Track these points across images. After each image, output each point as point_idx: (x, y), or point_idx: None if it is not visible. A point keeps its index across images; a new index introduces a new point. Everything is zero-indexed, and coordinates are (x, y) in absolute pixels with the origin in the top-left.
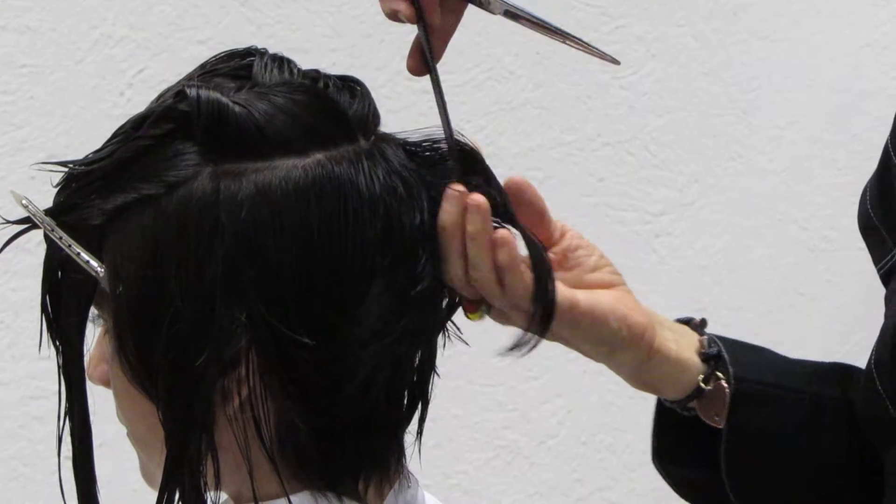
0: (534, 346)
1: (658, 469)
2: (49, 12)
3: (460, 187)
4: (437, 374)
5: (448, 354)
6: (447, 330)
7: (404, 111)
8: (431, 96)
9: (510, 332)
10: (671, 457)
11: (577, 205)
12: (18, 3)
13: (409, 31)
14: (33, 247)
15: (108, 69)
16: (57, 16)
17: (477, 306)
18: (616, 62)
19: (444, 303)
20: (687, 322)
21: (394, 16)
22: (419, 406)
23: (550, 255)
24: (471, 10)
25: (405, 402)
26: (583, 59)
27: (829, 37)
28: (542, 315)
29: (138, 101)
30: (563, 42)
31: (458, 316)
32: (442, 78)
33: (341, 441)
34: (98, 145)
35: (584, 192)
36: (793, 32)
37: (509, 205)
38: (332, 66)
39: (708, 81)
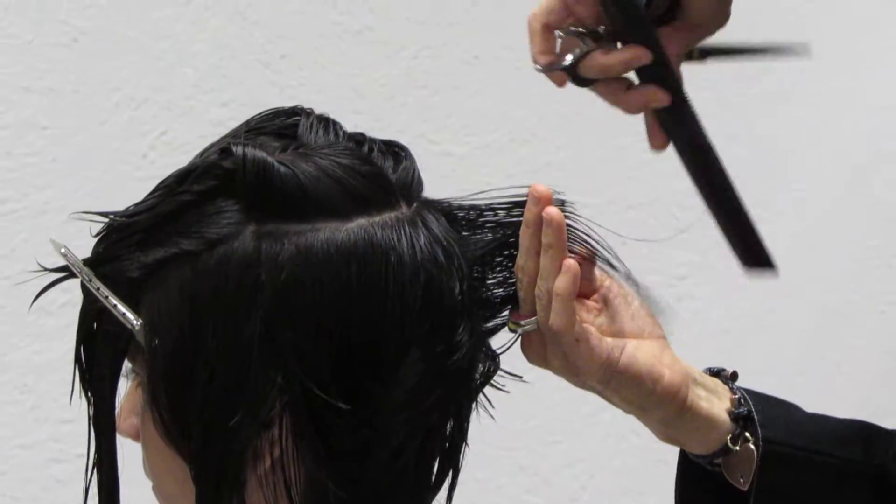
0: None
1: None
2: (71, 74)
3: (542, 187)
4: (468, 445)
5: (471, 417)
6: (478, 401)
7: (425, 173)
8: (452, 159)
9: (531, 400)
10: None
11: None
12: (41, 65)
13: (430, 95)
14: (56, 309)
15: (130, 131)
16: (79, 77)
17: (527, 317)
18: (806, 52)
19: (478, 374)
20: (718, 374)
21: (646, 106)
22: (449, 475)
23: (592, 299)
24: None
25: (434, 470)
26: (607, 122)
27: (850, 98)
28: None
29: (161, 164)
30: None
31: (488, 388)
32: (464, 140)
33: None
34: (121, 208)
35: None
36: (813, 94)
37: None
38: (355, 128)
39: (730, 144)
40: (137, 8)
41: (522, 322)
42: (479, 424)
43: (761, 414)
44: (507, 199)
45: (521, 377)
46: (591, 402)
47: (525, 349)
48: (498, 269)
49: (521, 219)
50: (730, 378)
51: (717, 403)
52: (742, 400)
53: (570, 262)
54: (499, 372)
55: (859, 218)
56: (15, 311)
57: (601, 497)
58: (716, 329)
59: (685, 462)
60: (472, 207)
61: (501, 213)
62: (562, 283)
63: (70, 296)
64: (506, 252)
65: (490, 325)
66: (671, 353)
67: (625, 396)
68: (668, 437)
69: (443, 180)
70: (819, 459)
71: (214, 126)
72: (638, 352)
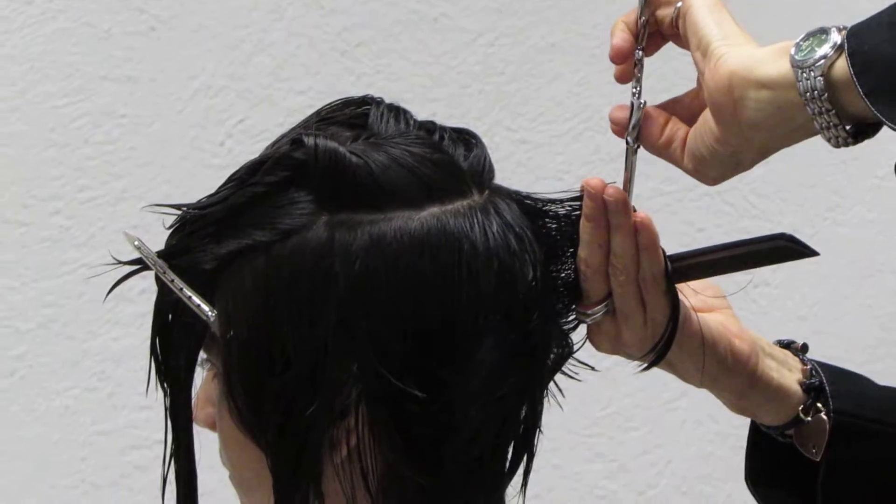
0: (654, 361)
1: (752, 492)
2: (149, 62)
3: (595, 181)
4: (541, 430)
5: (547, 405)
6: (550, 387)
7: (503, 161)
8: (529, 147)
9: (610, 387)
10: (766, 480)
11: None
12: (118, 54)
13: (507, 83)
14: (135, 296)
15: (207, 119)
16: (157, 66)
17: (594, 307)
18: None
19: (551, 359)
20: (788, 346)
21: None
22: (524, 459)
23: None
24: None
25: (509, 455)
26: None
27: None
28: (671, 303)
29: (238, 152)
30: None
31: (559, 375)
32: (541, 128)
33: (445, 494)
34: (198, 196)
35: (682, 243)
36: None
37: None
38: (432, 115)
39: None
40: None
41: (590, 311)
42: (556, 411)
43: (833, 385)
44: (570, 192)
45: (592, 367)
46: (669, 389)
47: (594, 338)
48: (564, 259)
49: (580, 212)
50: (800, 350)
51: (787, 374)
52: (813, 371)
53: (643, 217)
54: (571, 360)
55: None
56: (93, 299)
57: (679, 483)
58: (792, 316)
59: (756, 433)
60: (538, 198)
61: (565, 205)
62: (645, 237)
63: (148, 282)
64: (569, 243)
65: (560, 312)
66: (738, 322)
67: (697, 362)
68: (740, 409)
69: (519, 168)
70: (892, 432)
71: (291, 114)
72: (708, 319)
